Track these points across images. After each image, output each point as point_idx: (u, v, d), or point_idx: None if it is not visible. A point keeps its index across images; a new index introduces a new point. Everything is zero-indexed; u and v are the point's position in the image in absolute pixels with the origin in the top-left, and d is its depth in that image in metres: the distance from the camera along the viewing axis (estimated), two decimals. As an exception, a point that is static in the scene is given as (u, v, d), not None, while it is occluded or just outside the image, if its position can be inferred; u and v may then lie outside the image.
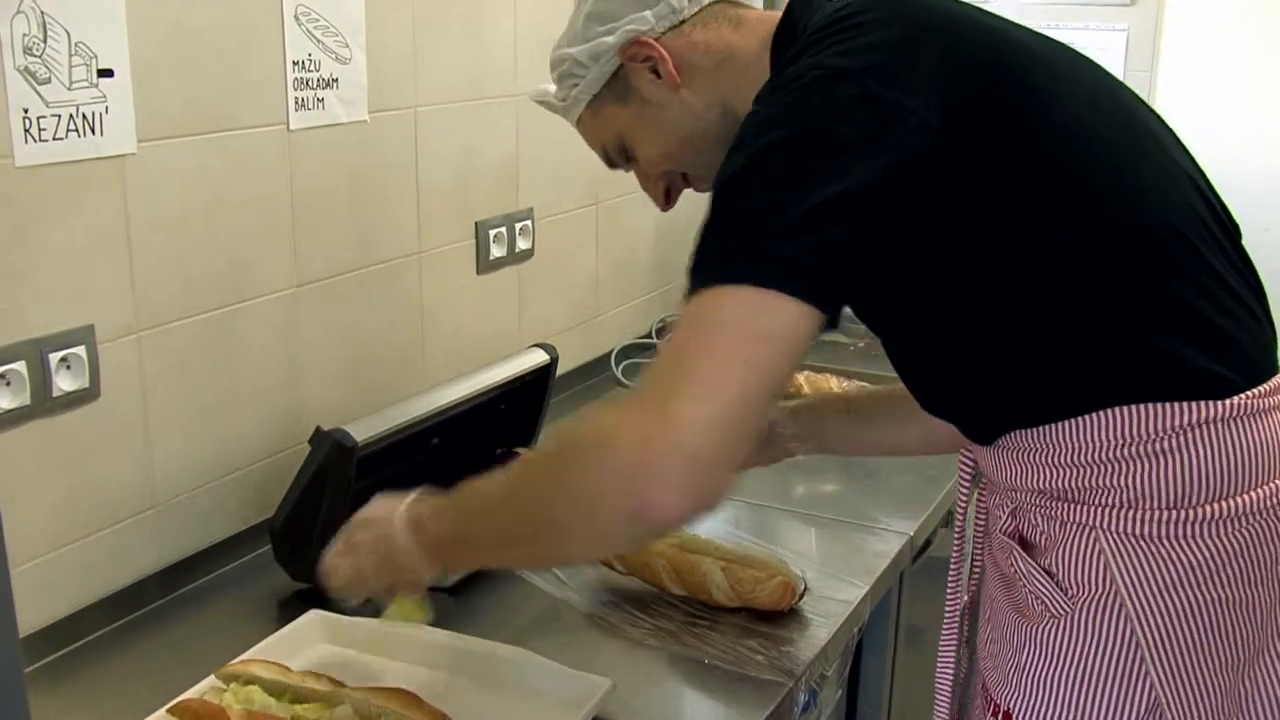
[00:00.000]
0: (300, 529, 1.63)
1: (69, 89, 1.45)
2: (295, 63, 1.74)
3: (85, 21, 1.46)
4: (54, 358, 1.48)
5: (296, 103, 1.76)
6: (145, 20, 1.52)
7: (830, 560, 1.80)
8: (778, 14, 1.39)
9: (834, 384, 2.41)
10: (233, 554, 1.76)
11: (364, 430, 1.61)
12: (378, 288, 1.97)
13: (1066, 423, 1.22)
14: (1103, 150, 1.23)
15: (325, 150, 1.82)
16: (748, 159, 1.16)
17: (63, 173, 1.46)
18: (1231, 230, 1.31)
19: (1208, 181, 1.33)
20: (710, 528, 1.85)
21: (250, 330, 1.74)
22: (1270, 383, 1.23)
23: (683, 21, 1.40)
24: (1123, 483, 1.21)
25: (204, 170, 1.64)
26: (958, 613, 1.52)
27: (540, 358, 1.94)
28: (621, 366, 2.63)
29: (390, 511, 1.37)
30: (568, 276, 2.50)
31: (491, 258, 2.23)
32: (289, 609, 1.62)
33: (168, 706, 1.32)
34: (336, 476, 1.59)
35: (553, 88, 1.51)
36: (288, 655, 1.43)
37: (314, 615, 1.54)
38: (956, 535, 1.51)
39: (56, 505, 1.53)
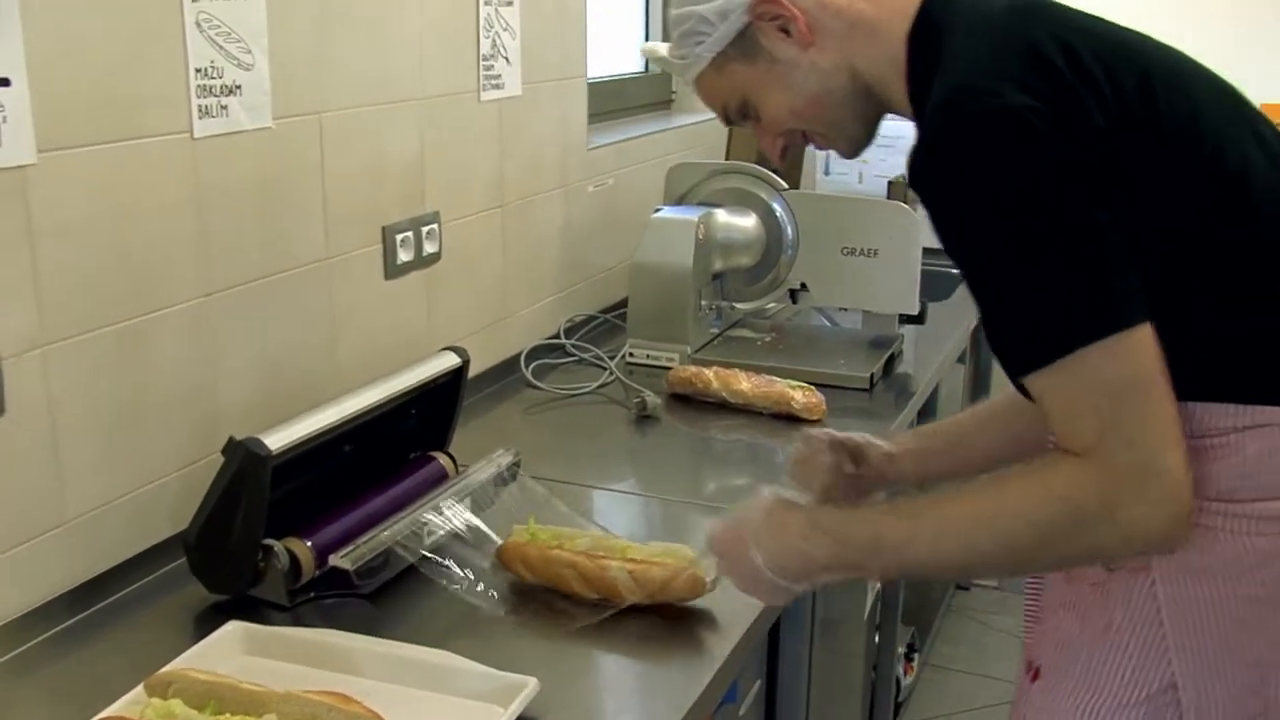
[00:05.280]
0: (215, 540, 1.62)
1: (-34, 100, 1.43)
2: (198, 70, 1.73)
3: (-19, 31, 1.44)
4: (-42, 374, 1.45)
5: (200, 110, 1.74)
6: (42, 29, 1.50)
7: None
8: None
9: (743, 379, 2.44)
10: (148, 568, 1.74)
11: (277, 439, 1.60)
12: (287, 295, 1.96)
13: None
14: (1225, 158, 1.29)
15: (230, 158, 1.81)
16: (1008, 230, 1.23)
17: (-38, 186, 1.44)
18: None
19: None
20: (625, 526, 1.87)
21: (160, 340, 1.73)
22: None
23: None
24: None
25: (108, 180, 1.62)
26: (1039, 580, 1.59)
27: (451, 361, 1.95)
28: (531, 368, 2.63)
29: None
30: (476, 279, 2.51)
31: (399, 262, 2.23)
32: (206, 621, 1.61)
33: (87, 725, 1.31)
34: (251, 486, 1.58)
35: (663, 46, 1.53)
36: (209, 668, 1.42)
37: (233, 626, 1.53)
38: None
39: (-37, 525, 1.50)
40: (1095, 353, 1.20)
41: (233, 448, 1.58)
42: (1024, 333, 1.25)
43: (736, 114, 1.53)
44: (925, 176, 1.28)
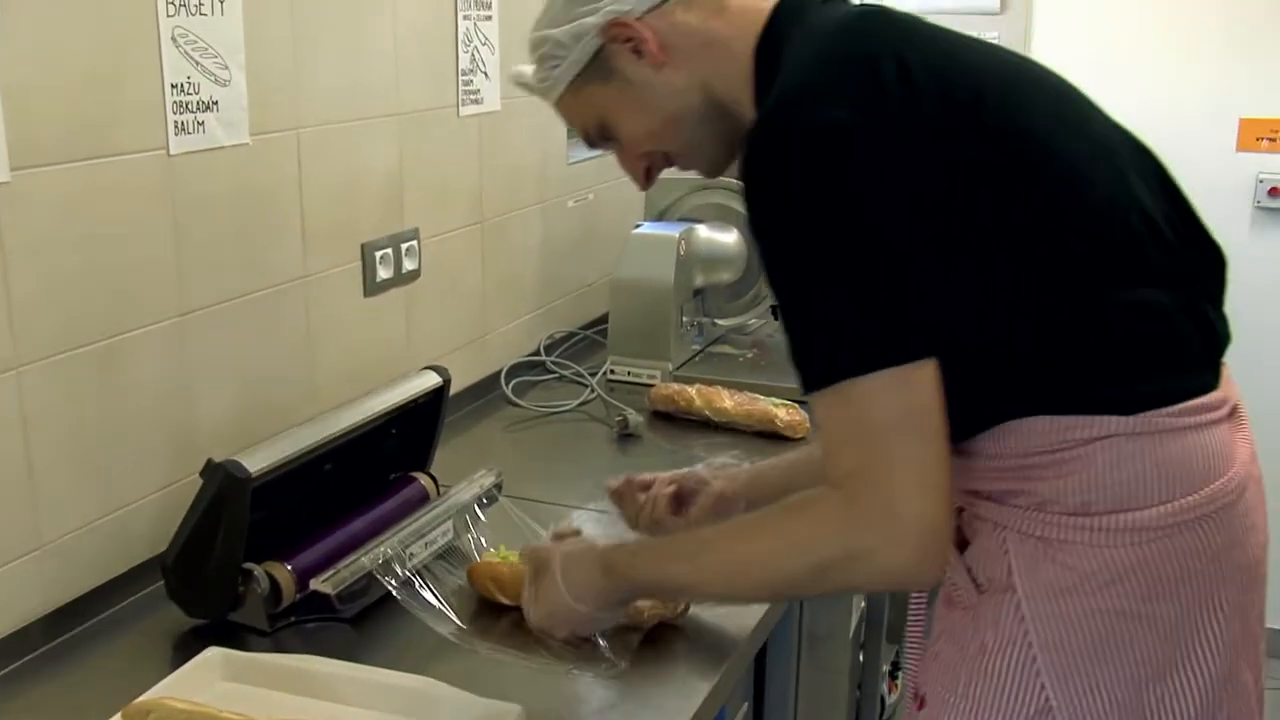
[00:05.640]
0: (194, 563, 1.59)
1: (-62, 117, 1.40)
2: (174, 85, 1.70)
3: (-46, 47, 1.41)
4: (-70, 397, 1.42)
5: (176, 126, 1.71)
6: (16, 44, 1.47)
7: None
8: (763, 4, 1.39)
9: (725, 397, 2.42)
10: (125, 592, 1.71)
11: (256, 461, 1.57)
12: (265, 314, 1.93)
13: (991, 431, 1.27)
14: (1064, 164, 1.28)
15: (207, 174, 1.78)
16: (804, 248, 1.21)
17: (-66, 204, 1.41)
18: (1188, 231, 1.35)
19: (1164, 176, 1.38)
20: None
21: (137, 360, 1.70)
22: (1189, 403, 1.25)
23: (664, 1, 1.40)
24: (1032, 488, 1.26)
25: (82, 198, 1.59)
26: (921, 608, 1.59)
27: (433, 380, 1.92)
28: (511, 385, 2.60)
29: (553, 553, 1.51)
30: (455, 296, 2.48)
31: (378, 279, 2.20)
32: (185, 646, 1.58)
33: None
34: (230, 509, 1.55)
35: (529, 69, 1.51)
36: (188, 695, 1.39)
37: (212, 653, 1.50)
38: None
39: (-65, 551, 1.47)
40: (869, 384, 1.19)
41: (211, 470, 1.55)
42: (810, 353, 1.24)
43: (597, 136, 1.50)
44: (744, 187, 1.25)
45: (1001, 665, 1.29)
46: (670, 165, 1.52)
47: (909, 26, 1.32)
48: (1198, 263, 1.35)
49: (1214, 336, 1.33)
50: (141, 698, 1.37)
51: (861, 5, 1.38)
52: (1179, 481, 1.24)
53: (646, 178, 1.53)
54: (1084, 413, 1.23)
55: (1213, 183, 3.57)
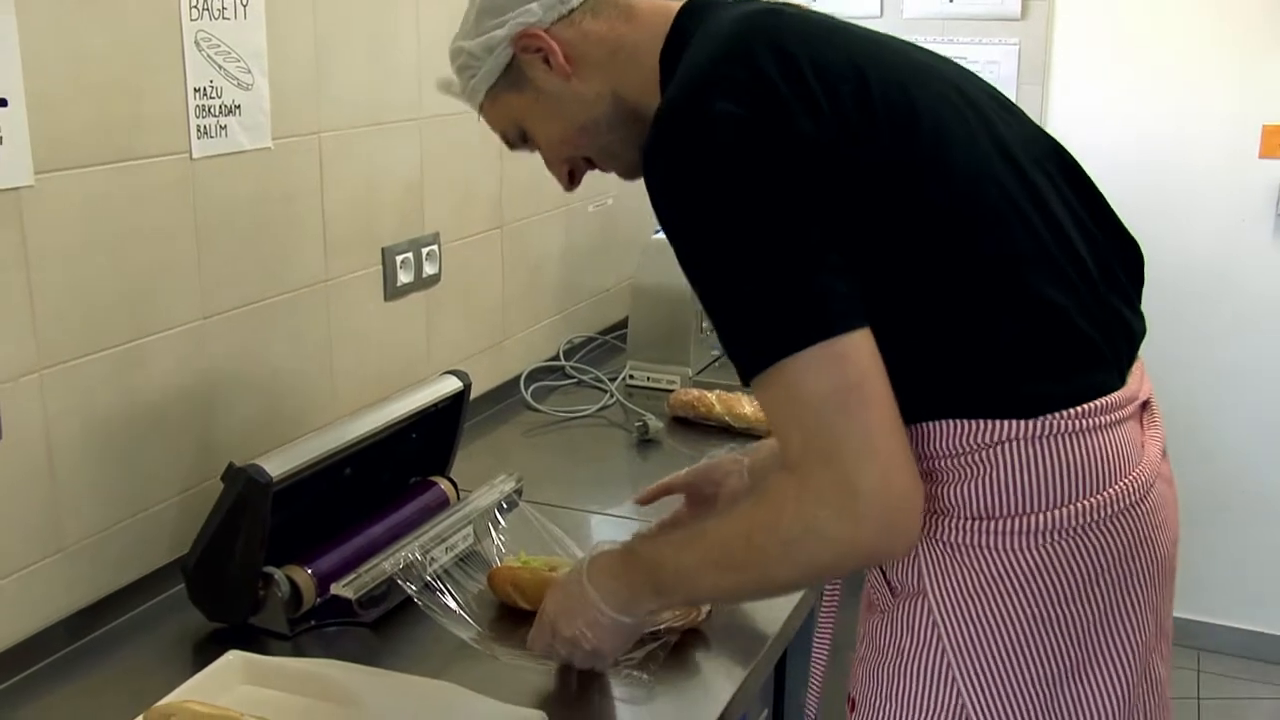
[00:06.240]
0: (215, 567, 1.59)
1: (-37, 121, 1.40)
2: (197, 90, 1.70)
3: (-21, 51, 1.41)
4: (-47, 399, 1.43)
5: (199, 131, 1.72)
6: (40, 49, 1.48)
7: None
8: (672, 5, 1.41)
9: (745, 403, 2.42)
10: (146, 595, 1.71)
11: (278, 465, 1.57)
12: (286, 317, 1.93)
13: None
14: (959, 174, 1.27)
15: (229, 178, 1.78)
16: (710, 240, 1.20)
17: (-42, 208, 1.41)
18: (1103, 229, 1.36)
19: (1077, 174, 1.38)
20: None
21: (157, 364, 1.70)
22: (1091, 403, 1.24)
23: (572, 11, 1.41)
24: (937, 492, 1.26)
25: (105, 202, 1.59)
26: (832, 610, 1.60)
27: (453, 385, 1.92)
28: (531, 390, 2.60)
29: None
30: (475, 301, 2.48)
31: (399, 284, 2.20)
32: (205, 650, 1.58)
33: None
34: (251, 513, 1.55)
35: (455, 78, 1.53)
36: (209, 698, 1.39)
37: (233, 656, 1.50)
38: None
39: (-42, 553, 1.47)
40: (796, 364, 1.17)
41: (233, 474, 1.55)
42: (738, 344, 1.23)
43: (518, 140, 1.53)
44: (648, 187, 1.26)
45: (917, 669, 1.30)
46: (593, 168, 1.53)
47: (795, 23, 1.31)
48: (1111, 260, 1.35)
49: (1128, 334, 1.33)
50: (163, 701, 1.37)
51: (761, 4, 1.38)
52: (1082, 484, 1.23)
53: (571, 180, 1.55)
54: (985, 416, 1.23)
55: (1235, 189, 3.56)
